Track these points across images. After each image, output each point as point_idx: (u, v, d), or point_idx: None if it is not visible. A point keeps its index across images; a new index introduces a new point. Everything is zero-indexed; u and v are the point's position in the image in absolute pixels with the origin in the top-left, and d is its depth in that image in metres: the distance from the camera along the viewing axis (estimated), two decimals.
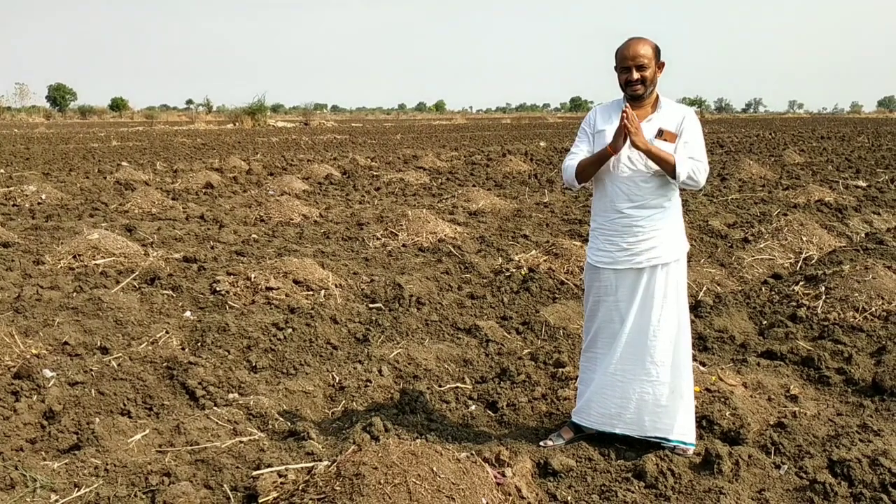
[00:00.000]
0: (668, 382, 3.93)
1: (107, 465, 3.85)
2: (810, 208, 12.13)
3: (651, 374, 3.95)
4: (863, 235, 10.25)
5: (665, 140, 3.84)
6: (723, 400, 4.39)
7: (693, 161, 3.82)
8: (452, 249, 8.98)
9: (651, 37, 3.92)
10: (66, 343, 5.55)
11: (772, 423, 4.38)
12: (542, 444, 4.17)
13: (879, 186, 14.92)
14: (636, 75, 3.81)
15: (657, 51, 3.88)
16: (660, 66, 3.90)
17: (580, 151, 4.06)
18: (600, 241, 4.04)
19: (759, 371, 5.08)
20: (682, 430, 3.96)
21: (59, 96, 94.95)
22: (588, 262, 4.13)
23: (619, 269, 3.97)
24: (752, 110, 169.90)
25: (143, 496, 3.58)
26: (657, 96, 3.96)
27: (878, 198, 13.51)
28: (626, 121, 3.70)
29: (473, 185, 15.21)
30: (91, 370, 5.04)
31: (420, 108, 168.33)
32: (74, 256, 8.01)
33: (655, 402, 3.95)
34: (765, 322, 6.43)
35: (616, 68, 3.91)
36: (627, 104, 3.85)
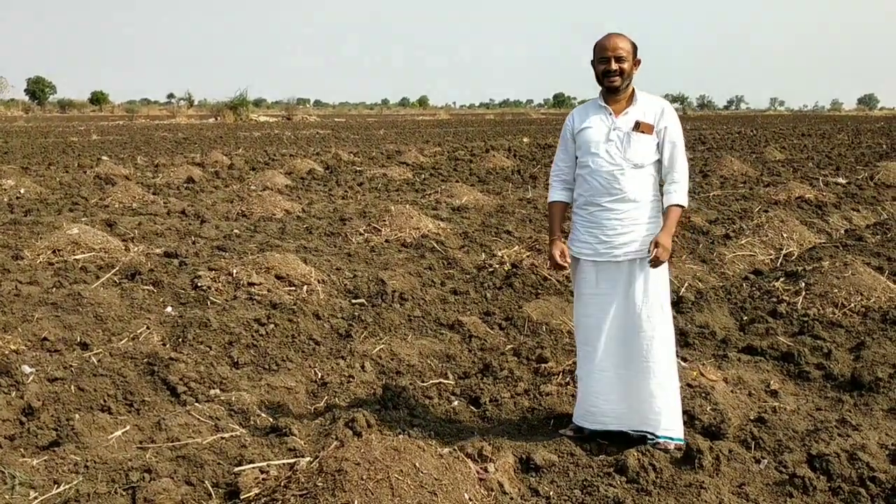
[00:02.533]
0: (651, 378, 3.95)
1: (87, 461, 3.82)
2: (791, 205, 12.21)
3: (635, 369, 3.98)
4: (842, 232, 10.35)
5: (642, 132, 3.91)
6: (704, 395, 4.42)
7: (677, 180, 3.94)
8: (435, 245, 8.97)
9: (634, 33, 3.99)
10: (45, 339, 5.49)
11: (752, 417, 4.41)
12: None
13: (859, 183, 15.05)
14: (615, 66, 3.87)
15: (635, 47, 3.97)
16: (636, 62, 3.97)
17: (560, 169, 4.20)
18: (581, 233, 4.07)
19: (740, 366, 5.11)
20: (668, 424, 3.98)
21: (38, 89, 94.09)
22: (570, 255, 4.15)
23: (598, 261, 4.00)
24: (733, 107, 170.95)
25: (124, 493, 3.56)
26: (633, 90, 4.00)
27: (858, 195, 13.63)
28: (657, 256, 3.84)
29: (457, 181, 15.19)
30: (71, 366, 5.00)
31: (403, 103, 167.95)
32: (54, 251, 7.93)
33: (640, 398, 3.98)
34: (745, 318, 6.47)
35: (594, 61, 3.97)
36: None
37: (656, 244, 3.85)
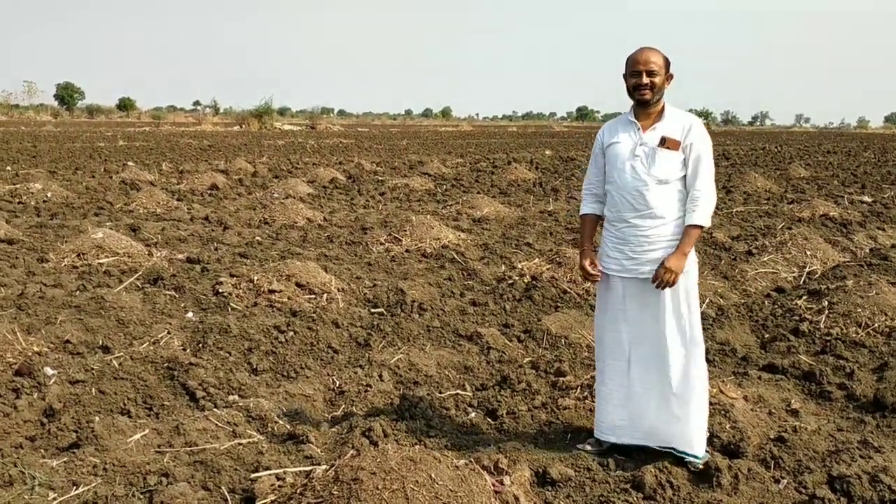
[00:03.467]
0: (679, 394, 3.91)
1: (105, 464, 3.85)
2: (815, 222, 12.11)
3: (662, 385, 3.93)
4: (867, 251, 10.23)
5: (668, 148, 3.86)
6: (723, 413, 4.38)
7: (698, 199, 3.85)
8: (455, 256, 8.98)
9: (659, 48, 3.95)
10: (67, 341, 5.55)
11: (772, 437, 4.36)
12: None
13: (885, 202, 14.90)
14: (646, 80, 3.84)
15: (667, 62, 3.93)
16: (668, 76, 3.93)
17: (591, 182, 4.20)
18: (609, 248, 4.05)
19: (761, 384, 5.06)
20: (692, 442, 3.93)
21: (66, 95, 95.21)
22: (600, 269, 4.13)
23: (626, 277, 3.97)
24: (758, 123, 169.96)
25: (141, 496, 3.58)
26: (663, 106, 3.97)
27: (884, 213, 13.49)
28: (662, 278, 3.82)
29: (478, 192, 15.21)
30: (92, 369, 5.04)
31: (426, 114, 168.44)
32: (78, 255, 8.03)
33: (668, 413, 3.94)
34: (767, 335, 6.41)
35: (626, 74, 3.94)
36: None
37: (663, 266, 3.82)
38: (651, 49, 3.91)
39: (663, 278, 3.81)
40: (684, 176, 3.91)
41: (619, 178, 3.94)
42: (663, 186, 3.87)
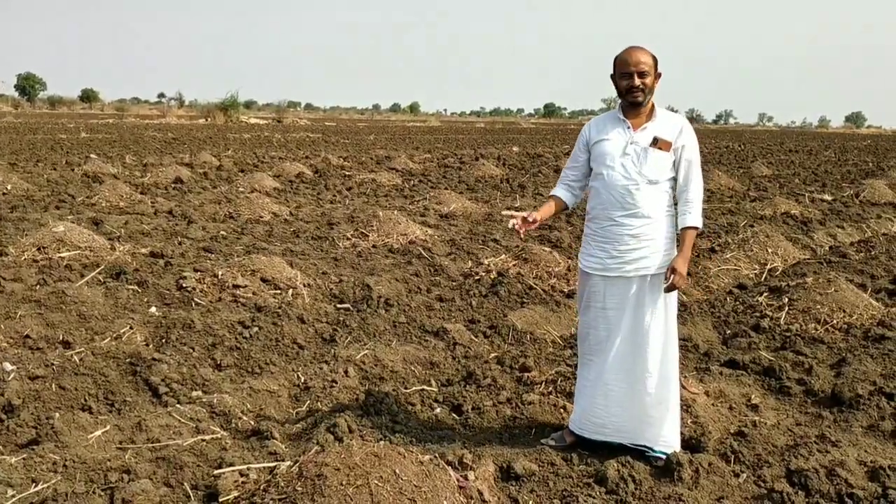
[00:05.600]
0: (655, 393, 3.95)
1: (65, 460, 3.80)
2: (776, 220, 12.29)
3: (640, 384, 3.96)
4: (827, 248, 10.42)
5: (660, 148, 3.86)
6: (685, 408, 4.43)
7: (691, 200, 3.92)
8: (423, 251, 8.98)
9: (624, 46, 3.95)
10: (27, 336, 5.46)
11: (732, 431, 4.43)
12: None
13: (844, 201, 15.17)
14: (638, 82, 3.82)
15: (656, 60, 3.90)
16: (658, 75, 3.92)
17: (567, 175, 4.20)
18: (592, 247, 4.04)
19: (722, 380, 5.14)
20: (666, 440, 3.98)
21: (28, 86, 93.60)
22: (580, 268, 4.14)
23: (608, 276, 3.98)
24: (722, 122, 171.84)
25: (102, 493, 3.53)
26: (653, 105, 3.97)
27: (843, 212, 13.73)
28: (675, 283, 3.84)
29: (445, 188, 15.21)
30: (52, 364, 4.97)
31: (394, 109, 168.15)
32: (39, 249, 7.89)
33: (643, 412, 3.97)
34: (728, 332, 6.51)
35: (614, 75, 3.91)
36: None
37: (673, 270, 3.82)
38: (640, 49, 3.87)
39: (676, 283, 3.83)
40: (673, 177, 3.93)
41: (607, 176, 3.92)
42: (652, 186, 3.88)
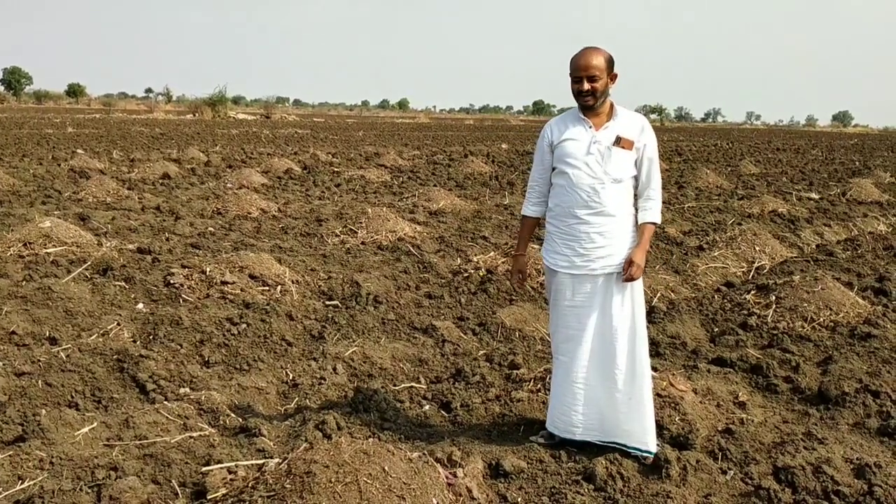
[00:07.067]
0: (625, 390, 3.96)
1: (52, 457, 3.78)
2: (764, 219, 12.35)
3: (610, 381, 3.97)
4: (814, 247, 10.48)
5: (622, 147, 3.91)
6: (673, 405, 4.45)
7: (652, 198, 4.02)
8: (411, 248, 8.97)
9: (613, 44, 3.97)
10: (13, 332, 5.43)
11: (720, 429, 4.45)
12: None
13: (831, 199, 15.25)
14: (587, 86, 3.85)
15: (610, 62, 3.91)
16: (612, 76, 3.93)
17: (536, 181, 4.20)
18: (557, 245, 4.05)
19: (709, 377, 5.16)
20: (640, 437, 3.99)
21: (13, 80, 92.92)
22: (545, 265, 4.16)
23: (575, 274, 4.00)
24: (710, 120, 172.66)
25: (89, 490, 3.51)
26: (611, 104, 4.00)
27: (830, 210, 13.81)
28: (632, 274, 3.91)
29: (434, 185, 15.20)
30: (39, 361, 4.94)
31: (383, 105, 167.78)
32: (25, 244, 7.83)
33: (615, 409, 3.98)
34: (716, 329, 6.53)
35: (570, 76, 3.94)
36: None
37: (630, 262, 3.89)
38: (592, 51, 3.88)
39: (631, 273, 3.89)
40: (634, 175, 3.99)
41: (573, 175, 3.94)
42: (617, 185, 3.92)
